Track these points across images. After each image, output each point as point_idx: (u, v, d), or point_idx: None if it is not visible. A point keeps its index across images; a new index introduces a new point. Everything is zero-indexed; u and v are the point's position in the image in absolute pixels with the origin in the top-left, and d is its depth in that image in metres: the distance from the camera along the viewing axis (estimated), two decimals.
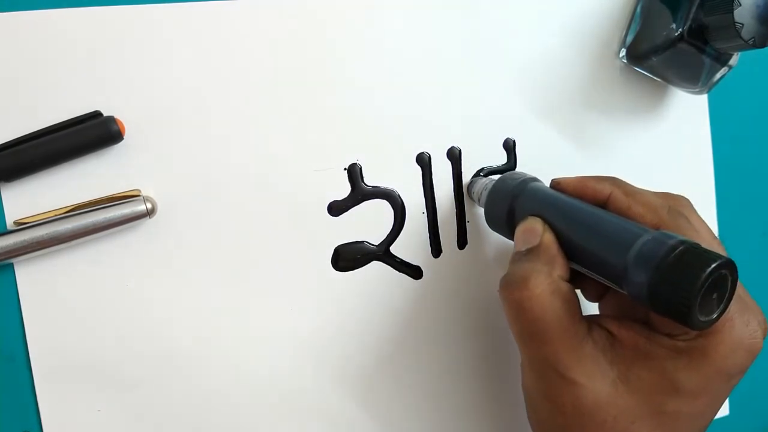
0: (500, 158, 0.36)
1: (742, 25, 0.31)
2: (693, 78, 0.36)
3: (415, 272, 0.35)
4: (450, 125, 0.35)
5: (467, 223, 0.35)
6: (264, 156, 0.32)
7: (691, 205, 0.29)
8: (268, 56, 0.32)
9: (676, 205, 0.28)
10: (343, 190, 0.33)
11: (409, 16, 0.34)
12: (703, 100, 0.40)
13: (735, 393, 0.44)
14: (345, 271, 0.33)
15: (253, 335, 0.32)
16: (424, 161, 0.34)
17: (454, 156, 0.35)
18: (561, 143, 0.37)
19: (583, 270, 0.27)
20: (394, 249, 0.34)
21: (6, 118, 0.29)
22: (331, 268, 0.33)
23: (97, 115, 0.29)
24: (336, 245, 0.33)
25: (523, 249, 0.28)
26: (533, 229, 0.28)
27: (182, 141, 0.31)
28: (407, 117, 0.34)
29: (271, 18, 0.32)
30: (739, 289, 0.25)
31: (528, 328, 0.26)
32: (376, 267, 0.34)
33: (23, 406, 0.29)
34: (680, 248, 0.23)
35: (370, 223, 0.34)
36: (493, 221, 0.32)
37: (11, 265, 0.29)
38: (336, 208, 0.33)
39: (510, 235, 0.31)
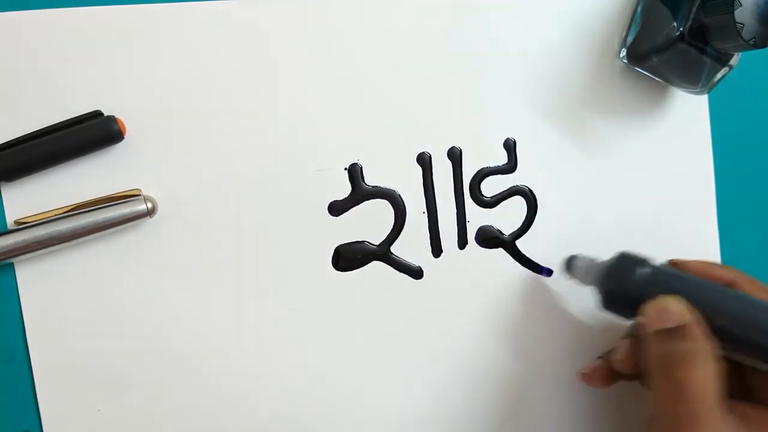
0: (500, 158, 0.36)
1: (743, 25, 0.31)
2: (693, 78, 0.36)
3: (415, 272, 0.35)
4: (450, 125, 0.35)
5: (467, 223, 0.35)
6: (264, 156, 0.32)
7: None
8: (269, 56, 0.32)
9: None
10: (344, 190, 0.33)
11: (409, 16, 0.34)
12: (703, 100, 0.40)
13: None
14: (345, 271, 0.33)
15: (253, 335, 0.32)
16: (424, 161, 0.34)
17: (455, 156, 0.35)
18: (561, 143, 0.37)
19: (729, 351, 0.28)
20: (395, 249, 0.34)
21: (6, 118, 0.29)
22: (331, 268, 0.33)
23: (97, 114, 0.29)
24: (336, 245, 0.33)
25: (661, 328, 0.28)
26: (674, 309, 0.29)
27: (182, 141, 0.31)
28: (408, 117, 0.34)
29: (271, 18, 0.32)
30: None
31: (690, 408, 0.26)
32: (376, 267, 0.34)
33: (23, 406, 0.29)
34: None
35: (370, 223, 0.34)
36: (613, 299, 0.32)
37: (11, 265, 0.29)
38: (336, 208, 0.33)
39: (627, 314, 0.31)
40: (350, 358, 0.34)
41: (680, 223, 0.40)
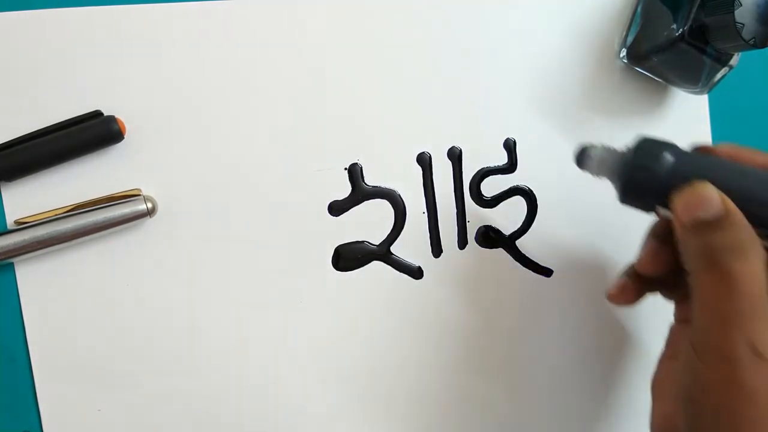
0: (500, 158, 0.36)
1: (743, 25, 0.31)
2: (693, 78, 0.36)
3: (415, 272, 0.35)
4: (450, 125, 0.35)
5: (467, 223, 0.35)
6: (264, 156, 0.32)
7: None
8: (269, 56, 0.32)
9: None
10: (344, 190, 0.33)
11: (409, 16, 0.34)
12: (703, 100, 0.40)
13: None
14: (345, 271, 0.33)
15: (253, 335, 0.32)
16: (424, 161, 0.34)
17: (455, 156, 0.35)
18: (561, 143, 0.37)
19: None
20: (395, 249, 0.34)
21: (6, 118, 0.29)
22: (332, 268, 0.33)
23: (97, 114, 0.29)
24: (336, 245, 0.33)
25: (699, 217, 0.25)
26: (710, 197, 0.25)
27: (182, 141, 0.31)
28: (408, 117, 0.34)
29: (271, 18, 0.32)
30: None
31: (740, 303, 0.24)
32: (376, 267, 0.34)
33: (23, 406, 0.29)
34: None
35: (370, 223, 0.34)
36: (636, 190, 0.28)
37: (11, 265, 0.29)
38: (336, 208, 0.33)
39: (651, 206, 0.28)
40: (350, 357, 0.34)
41: None
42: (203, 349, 0.31)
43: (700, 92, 0.37)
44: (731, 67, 0.35)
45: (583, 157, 0.31)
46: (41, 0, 0.29)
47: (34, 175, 0.29)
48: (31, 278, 0.29)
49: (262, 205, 0.32)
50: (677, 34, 0.33)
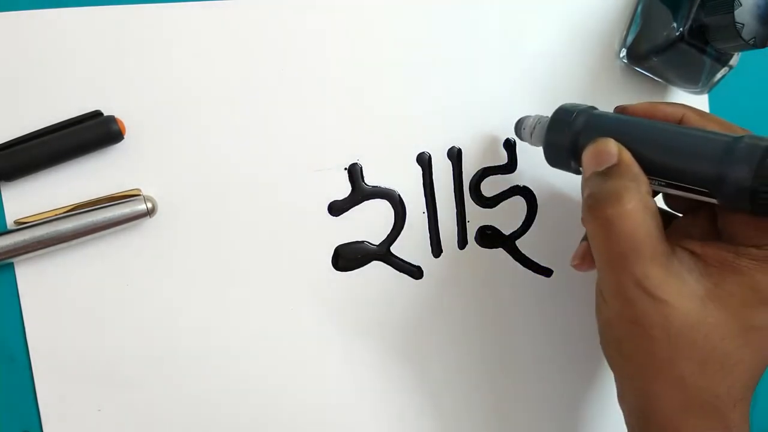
0: (500, 158, 0.36)
1: (743, 25, 0.31)
2: (693, 78, 0.36)
3: (415, 272, 0.35)
4: (450, 125, 0.35)
5: (467, 223, 0.35)
6: (264, 156, 0.32)
7: None
8: (269, 56, 0.32)
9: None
10: (344, 190, 0.33)
11: (409, 16, 0.34)
12: (703, 100, 0.40)
13: None
14: (345, 271, 0.33)
15: (253, 335, 0.32)
16: (424, 161, 0.34)
17: (454, 156, 0.35)
18: None
19: (665, 189, 0.27)
20: (395, 249, 0.34)
21: (6, 118, 0.29)
22: (332, 268, 0.33)
23: (97, 114, 0.29)
24: (336, 245, 0.33)
25: (600, 170, 0.27)
26: (607, 149, 0.27)
27: (182, 141, 0.31)
28: (408, 117, 0.34)
29: (271, 18, 0.32)
30: None
31: (619, 246, 0.25)
32: (376, 267, 0.34)
33: (23, 406, 0.29)
34: None
35: (370, 223, 0.34)
36: (555, 155, 0.31)
37: (11, 265, 0.29)
38: (336, 208, 0.33)
39: (571, 166, 0.30)
40: (350, 357, 0.34)
41: None
42: (203, 349, 0.31)
43: (700, 92, 0.37)
44: (731, 67, 0.35)
45: (518, 128, 0.34)
46: (41, 0, 0.29)
47: (34, 175, 0.29)
48: (31, 278, 0.29)
49: (262, 205, 0.32)
50: (677, 34, 0.33)
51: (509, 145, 0.36)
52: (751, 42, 0.32)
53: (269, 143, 0.32)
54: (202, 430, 0.32)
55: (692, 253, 0.26)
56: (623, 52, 0.37)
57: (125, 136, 0.30)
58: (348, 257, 0.33)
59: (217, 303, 0.32)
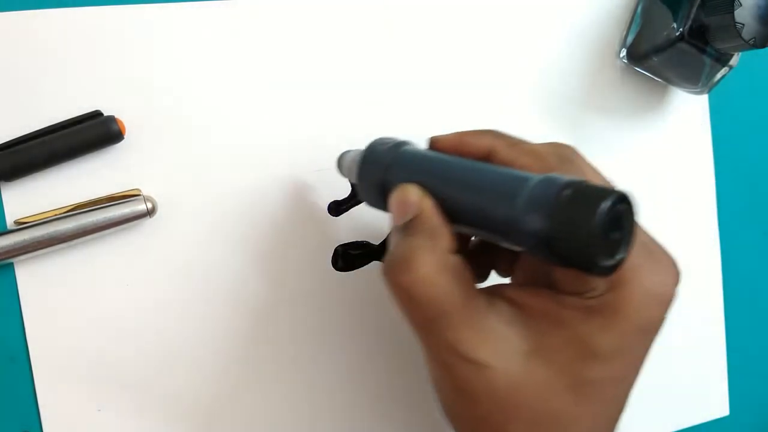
0: None
1: (743, 25, 0.31)
2: (693, 78, 0.36)
3: None
4: (450, 125, 0.35)
5: None
6: (264, 156, 0.32)
7: (579, 152, 0.26)
8: (269, 56, 0.32)
9: (564, 152, 0.26)
10: (344, 190, 0.33)
11: (409, 15, 0.34)
12: (703, 100, 0.40)
13: (735, 393, 0.44)
14: (345, 271, 0.33)
15: (253, 335, 0.32)
16: None
17: None
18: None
19: (474, 232, 0.25)
20: None
21: (6, 118, 0.29)
22: (331, 268, 0.33)
23: (97, 114, 0.29)
24: (336, 245, 0.33)
25: (401, 223, 0.24)
26: (406, 199, 0.24)
27: (182, 141, 0.31)
28: (407, 117, 0.34)
29: (271, 18, 0.32)
30: (644, 236, 0.24)
31: (421, 314, 0.23)
32: (376, 267, 0.34)
33: (23, 406, 0.29)
34: (572, 186, 0.20)
35: (370, 223, 0.34)
36: (369, 197, 0.28)
37: (11, 265, 0.29)
38: (336, 208, 0.33)
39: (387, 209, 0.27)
40: (350, 357, 0.34)
41: (680, 222, 0.40)
42: (203, 349, 0.31)
43: (700, 92, 0.37)
44: (731, 67, 0.35)
45: (339, 164, 0.30)
46: (41, 0, 0.29)
47: (34, 175, 0.29)
48: (31, 278, 0.29)
49: (261, 205, 0.32)
50: (677, 34, 0.33)
51: None
52: (751, 42, 0.32)
53: (269, 143, 0.32)
54: (202, 429, 0.32)
55: (514, 302, 0.24)
56: (623, 52, 0.37)
57: (125, 136, 0.30)
58: (348, 257, 0.33)
59: (217, 303, 0.32)
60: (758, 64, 0.40)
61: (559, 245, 0.20)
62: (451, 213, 0.24)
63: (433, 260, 0.23)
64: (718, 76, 0.35)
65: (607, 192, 0.20)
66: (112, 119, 0.29)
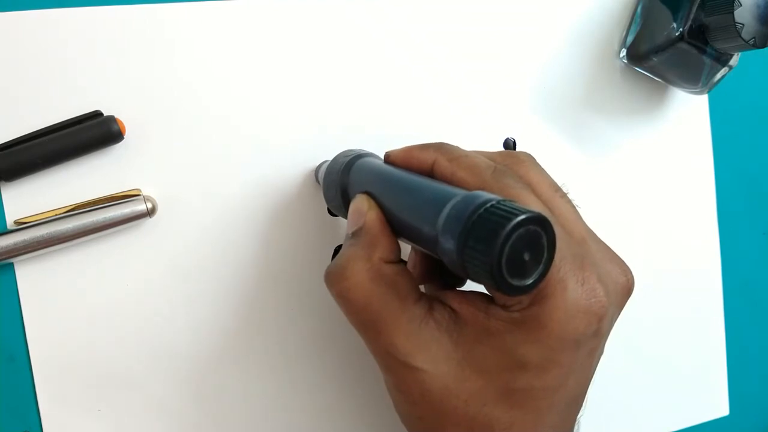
0: None
1: (743, 25, 0.31)
2: (693, 78, 0.36)
3: None
4: (450, 125, 0.35)
5: None
6: (264, 155, 0.32)
7: (531, 162, 0.26)
8: (269, 56, 0.32)
9: (511, 163, 0.26)
10: None
11: (409, 15, 0.34)
12: (703, 100, 0.40)
13: (735, 393, 0.44)
14: None
15: (253, 335, 0.32)
16: None
17: None
18: (561, 143, 0.37)
19: (410, 244, 0.25)
20: None
21: (6, 118, 0.29)
22: None
23: (97, 114, 0.29)
24: (336, 245, 0.33)
25: (350, 232, 0.26)
26: (358, 208, 0.25)
27: (182, 141, 0.31)
28: (407, 117, 0.34)
29: (271, 18, 0.32)
30: (578, 249, 0.24)
31: (357, 318, 0.24)
32: None
33: (23, 406, 0.29)
34: (486, 206, 0.20)
35: None
36: (333, 206, 0.29)
37: (11, 265, 0.29)
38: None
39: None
40: (350, 357, 0.34)
41: (680, 222, 0.40)
42: (203, 349, 0.31)
43: (700, 92, 0.37)
44: (731, 68, 0.35)
45: (315, 173, 0.32)
46: (41, 0, 0.29)
47: (34, 175, 0.29)
48: (31, 278, 0.29)
49: (261, 205, 0.32)
50: (677, 34, 0.33)
51: (509, 145, 0.36)
52: (751, 42, 0.32)
53: (269, 143, 0.32)
54: (202, 429, 0.32)
55: (451, 309, 0.24)
56: (623, 52, 0.37)
57: (125, 136, 0.30)
58: None
59: (217, 303, 0.32)
60: (758, 64, 0.40)
61: (468, 266, 0.20)
62: (392, 225, 0.25)
63: (365, 269, 0.24)
64: (718, 76, 0.35)
65: (515, 212, 0.19)
66: (112, 119, 0.29)
